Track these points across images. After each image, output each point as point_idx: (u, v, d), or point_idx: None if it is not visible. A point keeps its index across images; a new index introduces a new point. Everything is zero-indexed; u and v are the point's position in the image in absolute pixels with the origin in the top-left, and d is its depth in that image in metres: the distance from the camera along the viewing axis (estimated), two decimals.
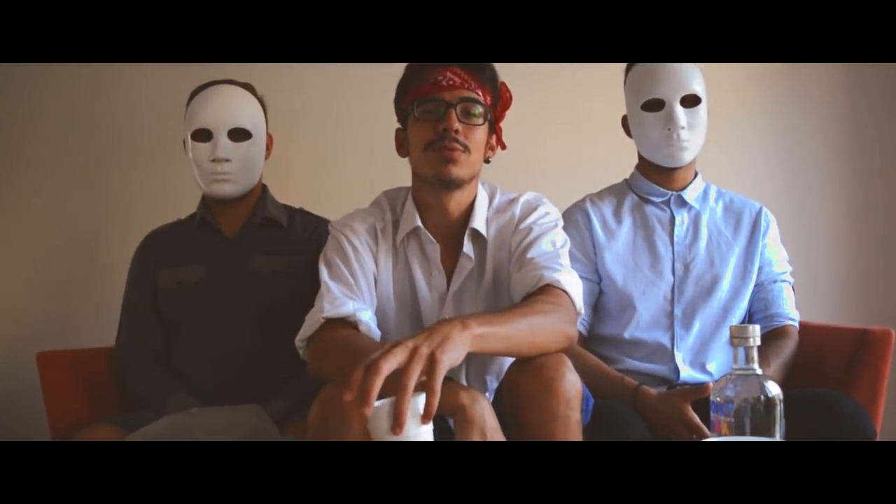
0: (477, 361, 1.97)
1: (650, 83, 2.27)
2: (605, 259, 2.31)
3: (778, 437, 1.34)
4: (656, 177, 2.35)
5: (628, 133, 2.39)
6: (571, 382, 1.66)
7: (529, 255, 1.89)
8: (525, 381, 1.67)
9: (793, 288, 2.37)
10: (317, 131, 3.01)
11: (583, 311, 1.89)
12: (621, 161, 2.47)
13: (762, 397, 1.35)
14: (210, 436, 1.91)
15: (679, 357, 2.23)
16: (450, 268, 1.99)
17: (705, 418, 1.91)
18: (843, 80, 3.18)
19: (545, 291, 1.80)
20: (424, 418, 1.37)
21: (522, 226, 1.97)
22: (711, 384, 1.94)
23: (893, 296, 3.13)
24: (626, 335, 2.26)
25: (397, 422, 1.34)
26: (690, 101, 2.26)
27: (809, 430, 1.81)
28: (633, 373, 2.21)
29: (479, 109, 1.93)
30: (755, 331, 1.39)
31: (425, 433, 1.38)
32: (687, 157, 2.29)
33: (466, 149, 1.90)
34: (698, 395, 2.01)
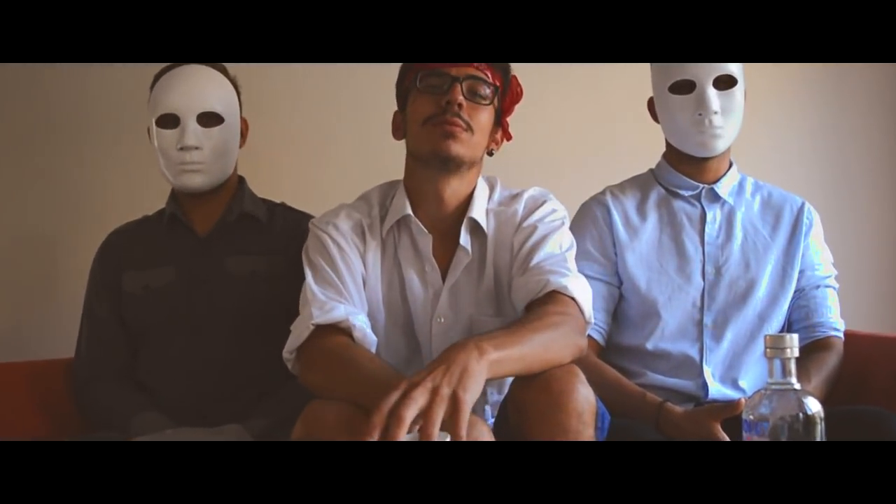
0: None
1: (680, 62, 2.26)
2: (627, 260, 2.30)
3: None
4: (686, 167, 2.34)
5: (655, 118, 2.38)
6: (584, 396, 1.66)
7: (534, 260, 1.91)
8: (533, 395, 1.67)
9: (837, 294, 2.36)
10: (301, 118, 3.01)
11: (592, 320, 1.90)
12: (646, 149, 2.47)
13: (800, 415, 1.34)
14: None
15: (708, 371, 2.23)
16: (444, 263, 2.00)
17: (737, 439, 1.90)
18: (887, 77, 3.19)
19: (552, 299, 1.82)
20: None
21: (526, 224, 1.98)
22: (744, 400, 1.93)
23: None
24: (650, 346, 2.26)
25: None
26: (725, 82, 2.24)
27: None
28: (657, 388, 2.20)
29: (487, 90, 1.96)
30: (793, 340, 1.38)
31: None
32: (720, 146, 2.28)
33: (469, 127, 1.92)
34: (729, 413, 1.99)
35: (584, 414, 1.65)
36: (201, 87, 2.29)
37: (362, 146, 2.98)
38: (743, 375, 2.24)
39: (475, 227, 1.99)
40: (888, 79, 3.20)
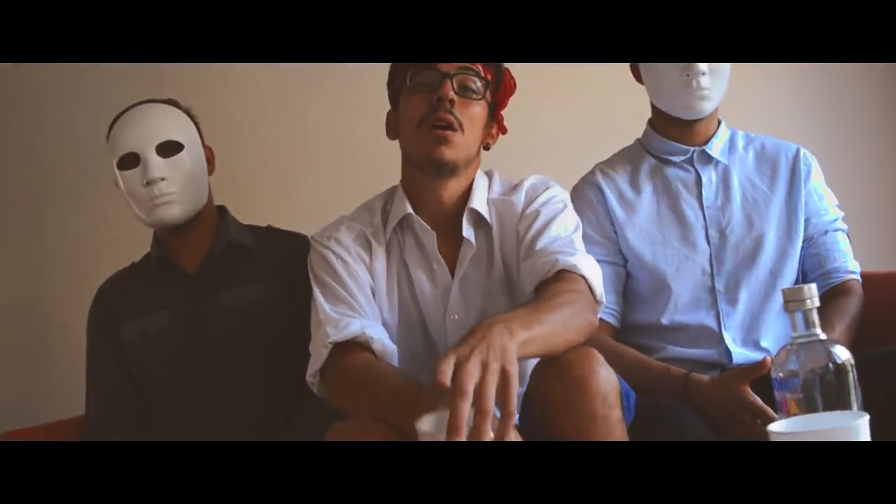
0: None
1: None
2: (628, 237, 2.30)
3: (855, 408, 1.33)
4: (674, 132, 2.34)
5: (638, 79, 2.37)
6: (605, 378, 1.66)
7: (540, 243, 1.92)
8: (554, 385, 1.67)
9: (848, 235, 2.36)
10: (272, 136, 3.02)
11: (604, 299, 1.90)
12: (632, 118, 2.46)
13: (830, 365, 1.34)
14: None
15: (728, 337, 2.23)
16: (451, 259, 2.00)
17: (769, 399, 1.88)
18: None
19: (562, 278, 1.82)
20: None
21: (529, 210, 2.00)
22: (770, 359, 1.94)
23: None
24: (665, 320, 2.26)
25: None
26: None
27: (891, 396, 1.78)
28: (679, 361, 2.19)
29: (478, 84, 1.98)
30: (812, 290, 1.38)
31: None
32: (708, 107, 2.27)
33: (460, 126, 1.93)
34: (757, 374, 1.98)
35: (608, 396, 1.65)
36: (155, 120, 2.31)
37: (339, 155, 2.99)
38: (764, 336, 2.24)
39: (478, 219, 2.00)
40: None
